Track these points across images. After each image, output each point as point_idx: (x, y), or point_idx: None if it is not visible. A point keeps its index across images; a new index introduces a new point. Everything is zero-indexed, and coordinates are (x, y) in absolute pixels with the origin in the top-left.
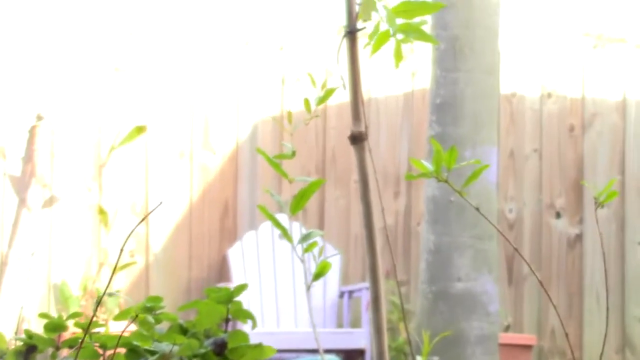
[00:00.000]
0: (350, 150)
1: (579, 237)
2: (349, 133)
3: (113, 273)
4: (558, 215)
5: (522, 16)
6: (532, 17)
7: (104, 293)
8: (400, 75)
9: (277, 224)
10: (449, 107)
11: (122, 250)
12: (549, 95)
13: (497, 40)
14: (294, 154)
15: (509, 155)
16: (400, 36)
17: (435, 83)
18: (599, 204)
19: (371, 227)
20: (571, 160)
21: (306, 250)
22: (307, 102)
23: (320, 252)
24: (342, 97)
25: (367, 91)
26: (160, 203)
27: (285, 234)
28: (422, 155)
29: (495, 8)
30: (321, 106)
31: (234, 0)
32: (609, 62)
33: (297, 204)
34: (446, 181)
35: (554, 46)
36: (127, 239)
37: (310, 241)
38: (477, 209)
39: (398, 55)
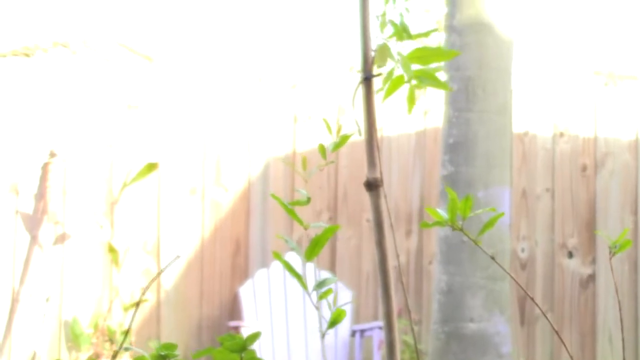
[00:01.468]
0: (362, 189)
1: (592, 277)
2: (360, 172)
3: (132, 321)
4: (570, 255)
5: (534, 55)
6: (544, 56)
7: (120, 347)
8: (413, 114)
9: (292, 271)
10: (462, 147)
11: (139, 303)
12: (561, 135)
13: (509, 81)
14: (308, 200)
15: (521, 194)
16: (414, 82)
17: (448, 123)
18: (613, 254)
19: (386, 273)
20: (583, 200)
21: (321, 297)
22: (322, 147)
23: (335, 300)
24: (354, 136)
25: (380, 129)
26: (177, 257)
27: (301, 281)
28: (434, 194)
29: (508, 49)
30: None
31: (247, 38)
32: (621, 100)
33: (312, 251)
34: (461, 229)
35: (565, 85)
36: (145, 291)
37: (325, 288)
38: (493, 258)
39: (411, 101)
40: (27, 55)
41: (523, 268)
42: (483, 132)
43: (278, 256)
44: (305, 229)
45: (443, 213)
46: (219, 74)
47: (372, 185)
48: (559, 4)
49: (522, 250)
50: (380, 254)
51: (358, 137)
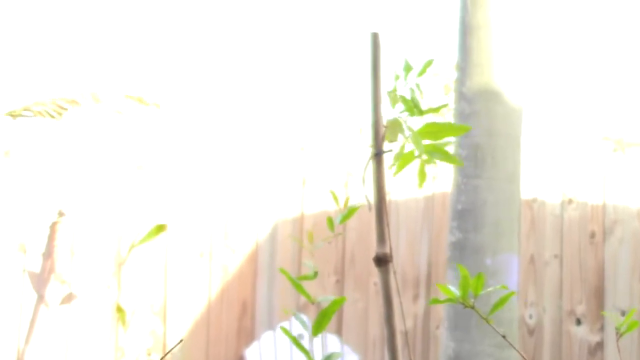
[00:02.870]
0: (370, 252)
1: (600, 345)
2: (368, 235)
3: None
4: (578, 322)
5: (543, 122)
6: (553, 123)
7: None
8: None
9: (299, 345)
10: (470, 214)
11: None
12: (570, 202)
13: (518, 148)
14: (315, 274)
15: (529, 260)
16: (424, 157)
17: (456, 189)
18: (620, 335)
19: (395, 350)
20: (592, 267)
21: None
22: (330, 220)
23: None
24: (361, 198)
25: (388, 193)
26: (181, 341)
27: (308, 356)
28: (442, 258)
29: (518, 116)
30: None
31: (256, 99)
32: (630, 167)
33: (319, 326)
34: (473, 307)
35: (574, 151)
36: None
37: None
38: (504, 336)
39: (422, 176)
40: (41, 114)
41: (531, 334)
42: (492, 200)
43: (286, 331)
44: (312, 303)
45: (454, 289)
46: (227, 135)
47: (382, 261)
48: (567, 72)
49: (530, 316)
50: (389, 331)
51: (365, 201)
